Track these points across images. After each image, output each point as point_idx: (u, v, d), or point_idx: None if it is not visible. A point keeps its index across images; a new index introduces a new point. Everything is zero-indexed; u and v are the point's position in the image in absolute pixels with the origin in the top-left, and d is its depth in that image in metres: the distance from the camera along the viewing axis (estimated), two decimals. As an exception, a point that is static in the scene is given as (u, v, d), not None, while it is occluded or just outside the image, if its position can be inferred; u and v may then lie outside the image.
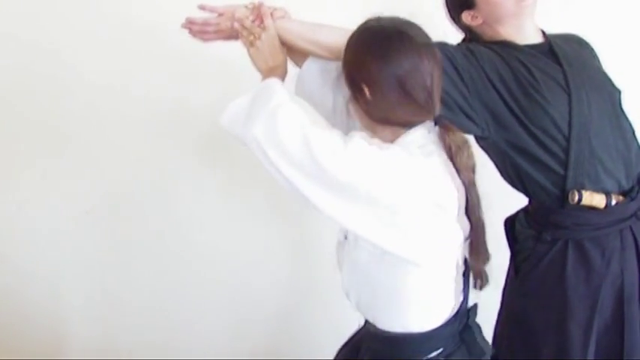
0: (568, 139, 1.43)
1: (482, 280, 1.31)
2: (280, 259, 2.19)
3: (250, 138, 1.20)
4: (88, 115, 2.02)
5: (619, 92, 1.53)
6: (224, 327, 2.19)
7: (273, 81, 1.30)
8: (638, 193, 1.48)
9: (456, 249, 1.24)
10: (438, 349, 1.28)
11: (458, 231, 1.23)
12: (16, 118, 2.02)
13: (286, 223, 2.17)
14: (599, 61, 1.59)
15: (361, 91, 1.21)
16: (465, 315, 1.32)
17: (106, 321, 2.15)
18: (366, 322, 1.35)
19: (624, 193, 1.47)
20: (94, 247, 2.11)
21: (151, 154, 2.06)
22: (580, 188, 1.43)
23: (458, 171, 1.24)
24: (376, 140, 1.21)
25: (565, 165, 1.44)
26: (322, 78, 1.44)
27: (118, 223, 2.10)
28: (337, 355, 1.47)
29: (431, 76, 1.20)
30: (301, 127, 1.17)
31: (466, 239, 1.27)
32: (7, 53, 1.97)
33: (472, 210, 1.25)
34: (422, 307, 1.26)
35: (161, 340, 2.15)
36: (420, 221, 1.17)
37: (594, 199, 1.44)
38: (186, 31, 1.48)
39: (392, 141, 1.23)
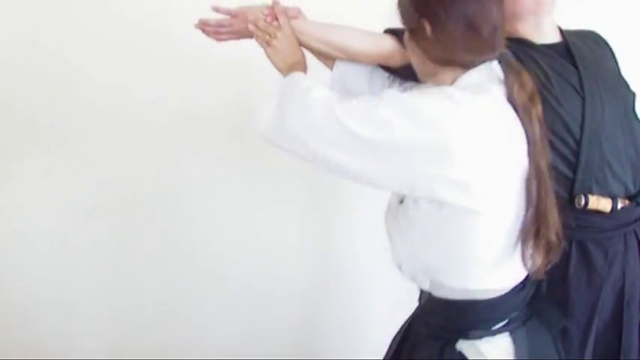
0: (579, 143, 1.43)
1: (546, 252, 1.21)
2: (293, 261, 2.18)
3: (287, 133, 1.18)
4: (91, 115, 2.01)
5: (633, 95, 1.53)
6: (234, 330, 2.19)
7: (296, 74, 1.29)
8: (644, 197, 1.49)
9: (517, 191, 1.17)
10: (509, 315, 1.23)
11: (518, 167, 1.17)
12: (19, 117, 2.01)
13: (298, 223, 2.16)
14: (616, 61, 1.57)
15: (422, 28, 1.18)
16: (534, 285, 1.28)
17: (111, 322, 2.15)
18: (431, 288, 1.27)
19: (630, 198, 1.48)
20: (98, 247, 2.10)
21: (156, 154, 2.06)
22: (587, 192, 1.44)
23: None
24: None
25: (574, 168, 1.44)
26: (357, 71, 1.45)
27: (121, 223, 2.10)
28: (389, 349, 1.42)
29: (496, 9, 1.18)
30: (332, 101, 1.16)
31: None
32: (11, 53, 1.95)
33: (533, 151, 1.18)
34: (492, 260, 1.19)
35: (166, 342, 2.16)
36: (474, 158, 1.12)
37: (600, 203, 1.45)
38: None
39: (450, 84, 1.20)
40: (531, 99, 1.20)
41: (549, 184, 1.20)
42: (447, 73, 1.20)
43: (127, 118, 2.00)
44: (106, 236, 2.09)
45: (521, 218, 1.18)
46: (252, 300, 2.17)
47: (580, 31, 1.57)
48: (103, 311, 2.14)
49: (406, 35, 1.25)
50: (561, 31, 1.53)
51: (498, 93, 1.18)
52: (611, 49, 1.58)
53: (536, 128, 1.18)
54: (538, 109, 1.20)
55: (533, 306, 1.28)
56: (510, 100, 1.18)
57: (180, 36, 1.72)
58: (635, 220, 1.49)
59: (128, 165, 2.05)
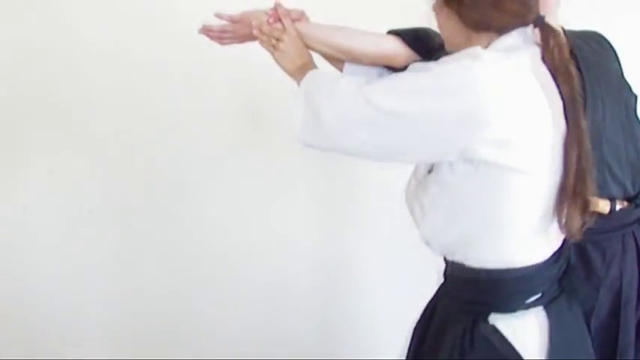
0: None
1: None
2: (303, 259, 2.17)
3: (324, 128, 1.17)
4: (94, 116, 2.01)
5: (635, 98, 1.54)
6: (242, 330, 2.19)
7: (315, 71, 1.29)
8: (643, 199, 1.50)
9: (554, 151, 1.15)
10: (543, 288, 1.21)
11: (556, 126, 1.15)
12: (21, 118, 2.01)
13: (307, 220, 2.16)
14: (619, 63, 1.57)
15: None
16: (566, 260, 1.26)
17: (114, 323, 2.15)
18: (464, 259, 1.23)
19: (629, 199, 1.50)
20: (100, 247, 2.11)
21: (160, 154, 2.06)
22: (586, 194, 1.45)
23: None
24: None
25: None
26: (365, 70, 1.44)
27: (124, 223, 2.10)
28: (414, 333, 1.41)
29: None
30: (361, 86, 1.16)
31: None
32: (13, 53, 1.95)
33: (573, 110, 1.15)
34: (528, 225, 1.17)
35: (169, 342, 2.16)
36: (509, 114, 1.10)
37: (599, 204, 1.46)
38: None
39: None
40: (569, 59, 1.18)
41: (588, 145, 1.18)
42: (482, 39, 1.19)
43: (129, 118, 2.01)
44: (108, 236, 2.10)
45: (557, 180, 1.16)
46: (260, 299, 2.17)
47: (583, 32, 1.57)
48: (105, 312, 2.14)
49: (439, 3, 1.23)
50: (565, 32, 1.53)
51: (533, 53, 1.17)
52: (614, 51, 1.58)
53: (576, 88, 1.17)
54: (574, 70, 1.18)
55: (565, 282, 1.26)
56: (546, 60, 1.17)
57: (182, 34, 1.71)
58: (634, 222, 1.51)
59: (130, 165, 2.06)
